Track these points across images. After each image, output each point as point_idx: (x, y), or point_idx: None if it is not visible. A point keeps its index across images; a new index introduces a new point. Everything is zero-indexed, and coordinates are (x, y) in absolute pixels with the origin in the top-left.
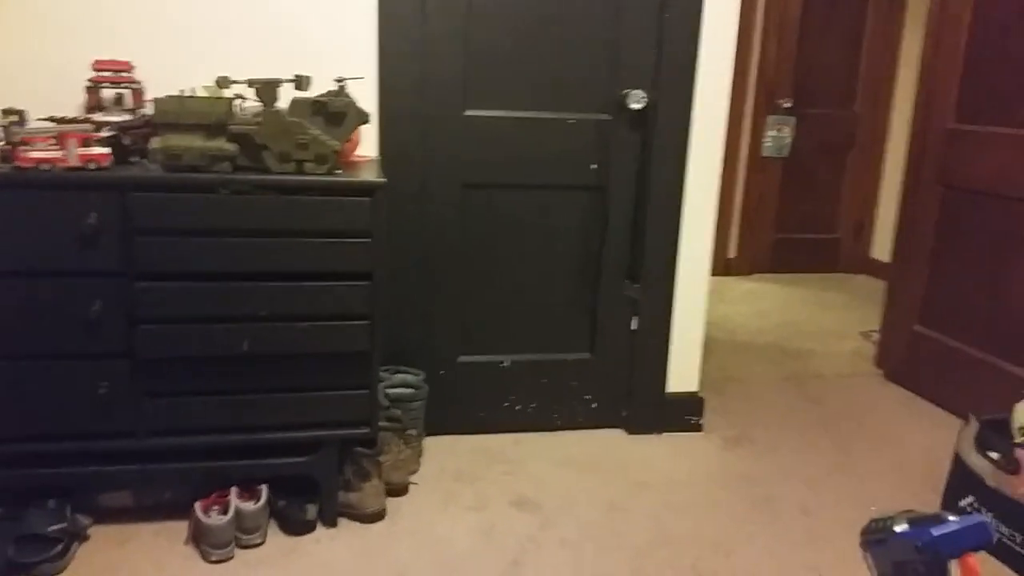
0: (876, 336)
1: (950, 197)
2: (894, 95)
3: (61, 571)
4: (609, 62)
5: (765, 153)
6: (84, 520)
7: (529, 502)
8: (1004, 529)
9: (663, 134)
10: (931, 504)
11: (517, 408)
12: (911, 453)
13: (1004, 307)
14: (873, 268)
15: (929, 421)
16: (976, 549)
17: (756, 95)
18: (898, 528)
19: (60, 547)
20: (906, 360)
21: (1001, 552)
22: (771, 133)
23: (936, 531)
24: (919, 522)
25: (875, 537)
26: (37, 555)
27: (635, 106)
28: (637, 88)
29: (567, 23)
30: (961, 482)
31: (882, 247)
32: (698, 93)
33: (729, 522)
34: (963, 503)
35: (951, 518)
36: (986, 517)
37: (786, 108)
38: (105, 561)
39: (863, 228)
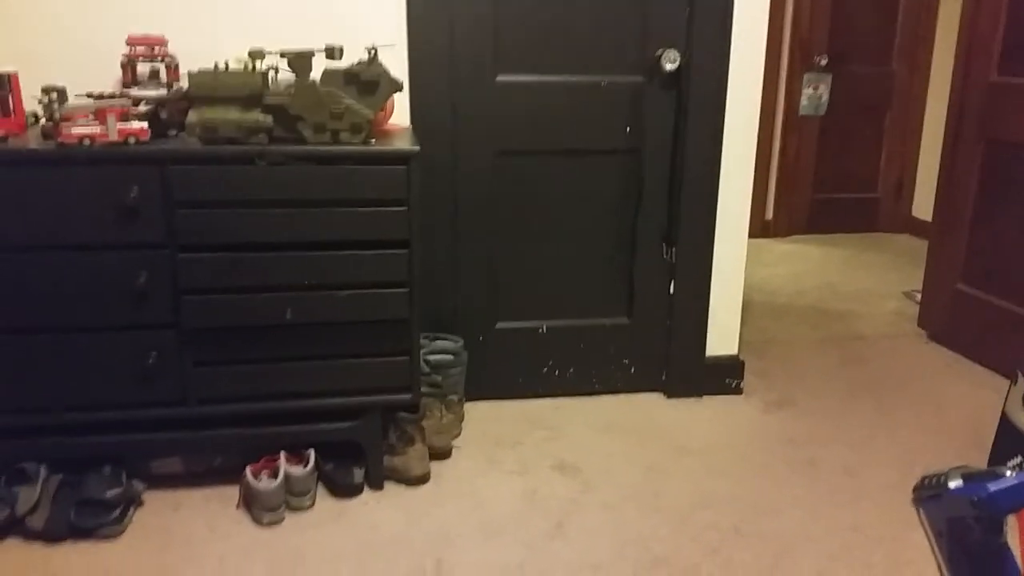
0: (918, 296)
1: (993, 152)
2: (933, 50)
3: (120, 534)
4: (641, 23)
5: (802, 112)
6: (139, 485)
7: (570, 466)
8: None
9: (698, 95)
10: (977, 464)
11: (556, 373)
12: (955, 413)
13: None
14: (914, 227)
15: (973, 381)
16: None
17: (791, 53)
18: (952, 484)
19: (118, 511)
20: (949, 320)
21: None
22: (807, 91)
23: (993, 486)
24: (975, 478)
25: (928, 493)
26: (97, 519)
27: (669, 67)
28: (670, 48)
29: None
30: (1008, 442)
31: (923, 205)
32: (733, 52)
33: (771, 484)
34: (1011, 464)
35: (1008, 473)
36: None
37: (822, 66)
38: (160, 524)
39: (903, 187)
